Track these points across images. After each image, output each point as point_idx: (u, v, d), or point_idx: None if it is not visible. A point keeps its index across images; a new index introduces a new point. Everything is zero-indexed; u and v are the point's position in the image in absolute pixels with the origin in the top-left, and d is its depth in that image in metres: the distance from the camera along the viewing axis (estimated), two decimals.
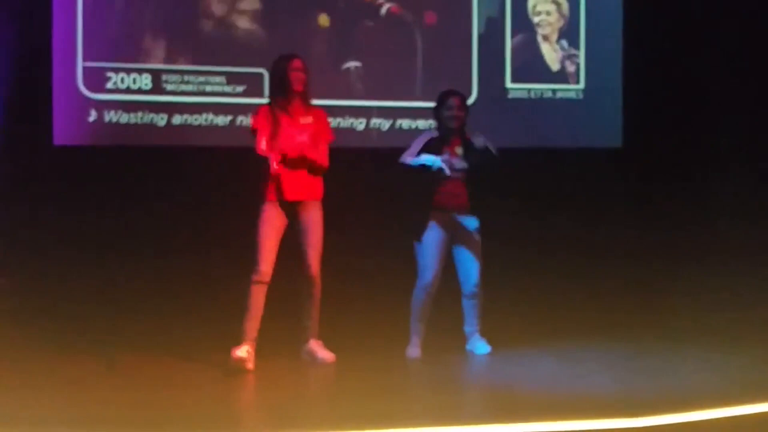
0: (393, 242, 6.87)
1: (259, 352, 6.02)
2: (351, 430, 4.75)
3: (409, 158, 6.30)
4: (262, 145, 5.98)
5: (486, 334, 6.50)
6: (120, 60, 7.40)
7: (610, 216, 8.13)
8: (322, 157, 6.10)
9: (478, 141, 6.31)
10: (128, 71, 7.42)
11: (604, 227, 8.09)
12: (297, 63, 6.09)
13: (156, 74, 7.47)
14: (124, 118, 7.41)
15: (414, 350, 6.36)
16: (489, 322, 6.56)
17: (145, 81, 7.46)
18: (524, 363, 6.24)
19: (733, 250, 8.08)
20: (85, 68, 7.34)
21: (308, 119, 6.10)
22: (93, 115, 7.37)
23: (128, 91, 7.41)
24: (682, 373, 5.96)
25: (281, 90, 6.07)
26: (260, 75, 7.41)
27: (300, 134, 6.03)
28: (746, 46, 8.37)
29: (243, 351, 5.90)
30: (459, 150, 6.38)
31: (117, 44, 7.41)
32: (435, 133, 6.46)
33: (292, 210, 6.06)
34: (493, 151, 6.34)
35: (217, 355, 6.13)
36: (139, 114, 7.45)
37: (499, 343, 6.48)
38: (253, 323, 5.97)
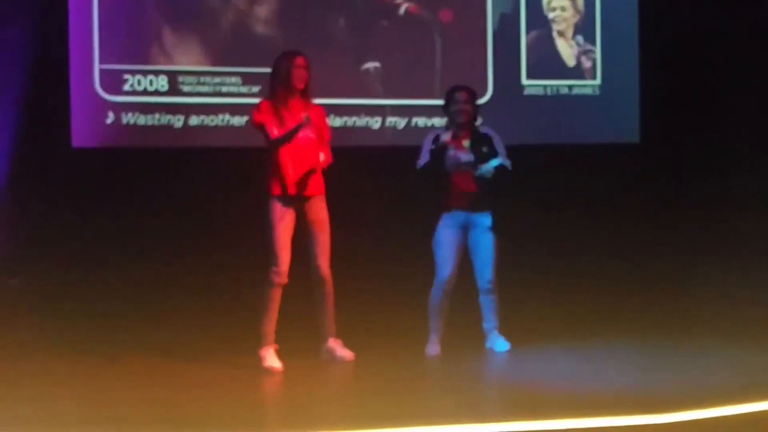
0: (408, 240, 6.90)
1: (278, 351, 6.04)
2: (370, 429, 4.75)
3: (421, 161, 6.35)
4: (275, 131, 5.93)
5: (504, 330, 6.48)
6: (136, 62, 7.44)
7: (627, 212, 8.14)
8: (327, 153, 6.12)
9: (488, 168, 6.27)
10: (145, 73, 7.46)
11: (621, 223, 8.10)
12: (300, 60, 6.05)
13: (172, 76, 7.51)
14: (141, 119, 7.45)
15: (433, 348, 6.36)
16: (507, 318, 6.55)
17: (162, 83, 7.49)
18: (542, 360, 6.25)
19: (751, 245, 8.07)
20: (101, 71, 7.39)
21: (309, 115, 6.00)
22: (110, 117, 7.41)
23: (145, 92, 7.45)
24: (701, 369, 5.95)
25: (283, 86, 6.03)
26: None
27: (303, 129, 5.97)
28: (764, 41, 8.33)
29: (273, 359, 5.94)
30: (466, 143, 6.36)
31: (133, 46, 7.45)
32: (441, 131, 6.44)
33: (299, 205, 6.02)
34: (508, 167, 6.32)
35: (236, 355, 6.19)
36: (156, 116, 7.49)
37: (516, 339, 6.47)
38: (272, 325, 5.98)
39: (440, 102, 6.60)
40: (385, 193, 7.49)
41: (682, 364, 6.07)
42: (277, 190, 5.98)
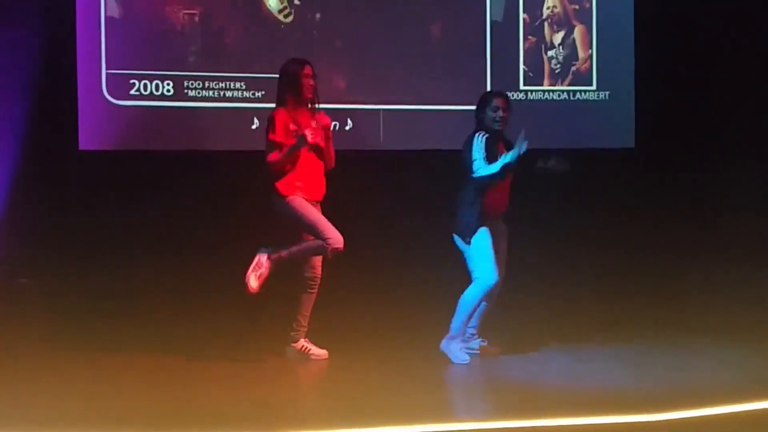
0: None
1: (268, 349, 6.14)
2: (367, 427, 4.81)
3: (487, 168, 6.04)
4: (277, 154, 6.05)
5: (502, 330, 6.51)
6: (143, 67, 7.53)
7: (623, 216, 8.19)
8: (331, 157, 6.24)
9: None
10: (151, 78, 7.56)
11: (618, 227, 8.16)
12: (308, 69, 6.16)
13: (178, 80, 7.61)
14: (147, 123, 7.52)
15: (464, 355, 6.17)
16: (504, 319, 6.62)
17: (168, 87, 7.59)
18: (537, 360, 6.26)
19: (745, 246, 8.12)
20: (108, 75, 7.48)
21: (314, 124, 6.14)
22: (117, 121, 7.49)
23: (151, 97, 7.55)
24: (697, 369, 6.00)
25: (293, 95, 6.15)
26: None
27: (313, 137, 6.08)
28: (757, 47, 8.42)
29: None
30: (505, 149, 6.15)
31: (140, 51, 7.54)
32: (483, 133, 6.13)
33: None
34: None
35: (239, 352, 6.29)
36: (162, 119, 7.59)
37: (512, 340, 6.51)
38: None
39: (440, 108, 6.54)
40: (388, 195, 7.60)
41: (677, 364, 6.11)
42: (293, 191, 6.08)
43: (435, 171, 7.64)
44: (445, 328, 6.18)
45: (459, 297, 6.15)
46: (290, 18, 7.85)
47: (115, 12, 7.48)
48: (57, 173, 7.44)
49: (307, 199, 6.09)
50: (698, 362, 6.16)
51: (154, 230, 7.50)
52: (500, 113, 6.13)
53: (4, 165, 7.31)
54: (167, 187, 7.47)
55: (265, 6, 7.79)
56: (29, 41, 7.30)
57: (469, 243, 6.09)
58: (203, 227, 7.52)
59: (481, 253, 6.08)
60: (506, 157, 5.99)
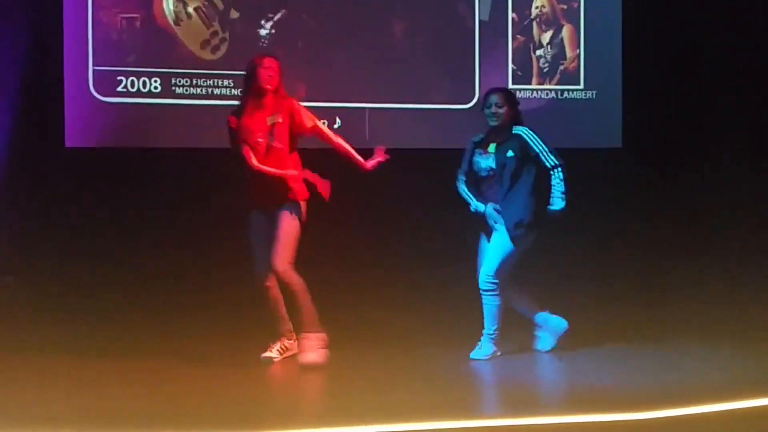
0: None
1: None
2: (362, 425, 4.82)
3: (460, 182, 6.26)
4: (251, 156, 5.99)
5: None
6: (130, 64, 7.51)
7: (610, 215, 8.23)
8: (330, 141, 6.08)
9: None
10: (138, 75, 7.54)
11: (605, 227, 8.19)
12: (269, 62, 6.01)
13: (165, 77, 7.59)
14: (134, 120, 7.50)
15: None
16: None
17: (155, 84, 7.58)
18: (527, 360, 6.27)
19: (732, 246, 8.18)
20: (95, 72, 7.46)
21: (276, 118, 5.99)
22: (104, 118, 7.47)
23: (138, 94, 7.53)
24: (685, 369, 6.04)
25: (253, 87, 6.01)
26: None
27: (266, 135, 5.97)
28: (743, 45, 8.45)
29: (274, 351, 6.13)
30: (491, 147, 6.20)
31: (127, 48, 7.51)
32: (477, 137, 6.29)
33: (268, 210, 6.03)
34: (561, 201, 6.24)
35: (236, 352, 6.31)
36: (149, 116, 7.56)
37: (506, 340, 6.44)
38: (275, 322, 6.15)
39: (428, 107, 6.58)
40: (379, 194, 7.60)
41: (667, 364, 6.15)
42: (248, 202, 6.05)
43: (423, 170, 7.65)
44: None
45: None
46: (279, 14, 7.83)
47: (103, 7, 7.44)
48: (43, 170, 7.41)
49: (261, 209, 6.02)
50: (685, 362, 6.19)
51: (142, 228, 7.48)
52: (493, 108, 6.18)
53: None
54: (154, 185, 7.46)
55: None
56: (16, 37, 7.28)
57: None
58: (191, 224, 7.50)
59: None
60: (472, 205, 6.18)
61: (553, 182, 6.20)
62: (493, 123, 6.20)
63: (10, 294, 7.17)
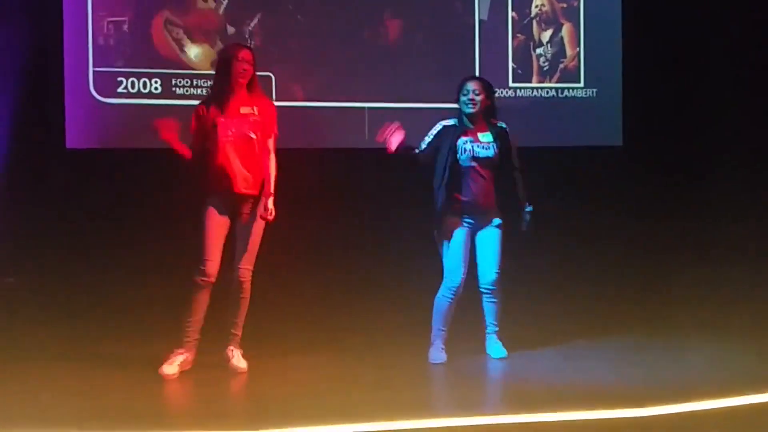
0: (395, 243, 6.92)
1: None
2: (360, 422, 4.85)
3: (422, 146, 6.11)
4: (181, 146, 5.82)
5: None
6: (130, 65, 7.51)
7: (610, 214, 8.22)
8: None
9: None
10: (138, 75, 7.55)
11: (605, 225, 8.18)
12: (245, 54, 5.78)
13: (166, 78, 7.60)
14: (134, 121, 7.48)
15: (439, 354, 6.05)
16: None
17: (155, 85, 7.58)
18: (525, 358, 6.26)
19: (731, 244, 8.17)
20: (95, 73, 7.47)
21: (250, 110, 5.80)
22: (104, 119, 7.48)
23: (139, 95, 7.53)
24: (683, 365, 6.05)
25: (224, 80, 5.77)
26: (268, 78, 7.52)
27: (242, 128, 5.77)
28: (744, 44, 8.45)
29: (174, 367, 5.75)
30: (484, 136, 6.10)
31: (127, 49, 7.52)
32: (450, 121, 6.14)
33: (235, 204, 5.83)
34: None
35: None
36: (150, 117, 7.55)
37: (505, 339, 6.46)
38: (191, 327, 5.84)
39: (428, 106, 6.55)
40: (373, 193, 7.60)
41: (665, 361, 6.16)
42: (216, 187, 5.79)
43: (423, 169, 7.64)
44: (427, 327, 6.17)
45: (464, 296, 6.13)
46: (278, 13, 7.84)
47: (103, 8, 7.45)
48: (44, 171, 7.42)
49: (232, 191, 5.75)
50: (683, 359, 6.20)
51: (142, 228, 7.48)
52: (470, 95, 6.06)
53: None
54: (155, 186, 7.44)
55: None
56: (15, 38, 7.29)
57: (435, 237, 6.06)
58: (191, 225, 7.47)
59: (445, 248, 6.03)
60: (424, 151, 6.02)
61: (523, 183, 6.15)
62: (469, 110, 6.06)
63: (10, 294, 7.16)
